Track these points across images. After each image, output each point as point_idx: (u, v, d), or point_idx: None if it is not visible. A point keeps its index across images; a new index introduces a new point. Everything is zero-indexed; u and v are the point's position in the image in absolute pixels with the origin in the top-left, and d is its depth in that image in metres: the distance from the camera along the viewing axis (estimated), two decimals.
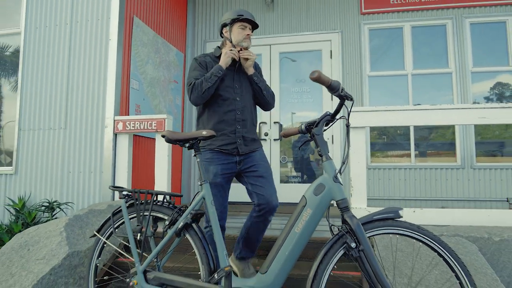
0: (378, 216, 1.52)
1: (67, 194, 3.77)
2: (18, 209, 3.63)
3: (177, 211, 1.78)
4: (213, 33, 5.54)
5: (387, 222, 1.50)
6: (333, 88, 1.55)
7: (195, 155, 1.85)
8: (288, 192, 5.07)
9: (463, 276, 1.41)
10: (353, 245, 1.48)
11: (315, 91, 5.17)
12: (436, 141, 4.96)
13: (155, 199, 1.83)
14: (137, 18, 4.10)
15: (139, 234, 1.80)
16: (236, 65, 2.33)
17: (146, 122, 3.49)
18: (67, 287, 2.29)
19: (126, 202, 1.87)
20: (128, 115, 3.92)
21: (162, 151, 3.45)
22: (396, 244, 2.29)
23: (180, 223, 1.73)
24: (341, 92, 1.55)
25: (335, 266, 1.57)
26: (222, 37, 2.40)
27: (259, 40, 5.32)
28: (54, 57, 3.99)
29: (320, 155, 1.62)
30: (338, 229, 1.55)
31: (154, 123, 3.47)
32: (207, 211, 1.90)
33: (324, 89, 5.08)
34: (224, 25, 2.35)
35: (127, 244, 1.89)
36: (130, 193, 1.88)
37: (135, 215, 1.85)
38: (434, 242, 1.45)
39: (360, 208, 3.10)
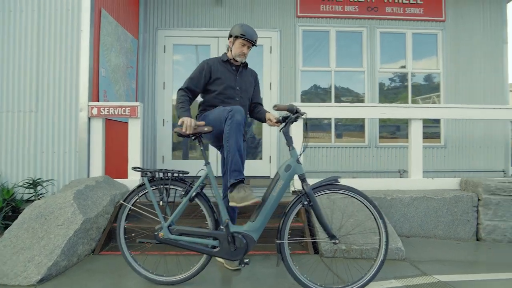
0: (324, 182, 2.46)
1: (41, 172, 4.13)
2: None
3: (189, 185, 2.52)
4: (165, 21, 5.96)
5: (330, 186, 2.46)
6: (290, 110, 2.42)
7: (199, 144, 2.58)
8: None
9: (378, 218, 2.42)
10: (305, 202, 2.41)
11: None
12: (350, 125, 6.24)
13: (169, 175, 2.54)
14: (104, 10, 4.44)
15: (161, 202, 2.50)
16: (238, 70, 2.86)
17: (120, 108, 4.00)
18: (83, 245, 2.89)
19: (149, 179, 2.54)
20: (98, 101, 4.34)
21: (136, 134, 4.02)
22: (333, 200, 3.33)
23: (193, 192, 2.48)
24: (295, 111, 2.42)
25: (296, 218, 2.51)
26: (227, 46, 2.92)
27: (209, 32, 5.94)
28: (22, 42, 4.17)
29: (288, 145, 2.50)
30: (297, 193, 2.47)
31: (128, 109, 4.00)
32: (213, 185, 2.55)
33: (267, 78, 5.96)
34: (230, 36, 2.81)
35: (140, 211, 2.56)
36: (150, 172, 2.54)
37: (156, 187, 2.55)
38: (360, 196, 2.43)
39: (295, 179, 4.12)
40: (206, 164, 2.54)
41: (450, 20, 6.23)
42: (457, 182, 4.25)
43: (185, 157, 6.10)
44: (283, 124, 2.49)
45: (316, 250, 3.20)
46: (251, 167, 5.88)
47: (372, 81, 6.13)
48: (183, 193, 2.49)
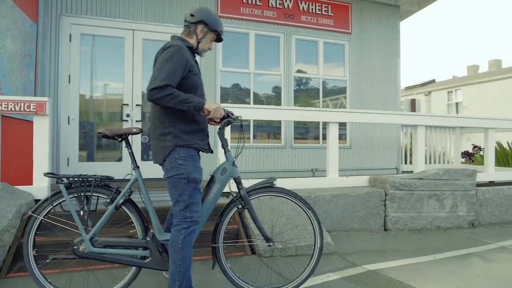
0: (260, 185, 2.47)
1: None
2: None
3: (115, 192, 2.27)
4: (71, 6, 5.32)
5: (266, 189, 2.48)
6: (226, 117, 2.32)
7: (127, 147, 2.35)
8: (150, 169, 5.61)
9: (314, 220, 2.49)
10: (240, 206, 2.40)
11: None
12: (267, 126, 6.44)
13: (91, 181, 2.24)
14: None
15: (81, 211, 2.20)
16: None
17: (22, 104, 3.44)
18: None
19: (66, 186, 2.22)
20: None
21: (43, 134, 3.51)
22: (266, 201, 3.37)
23: (120, 200, 2.25)
24: (227, 115, 2.31)
25: (230, 220, 2.47)
26: (185, 27, 2.30)
27: (123, 23, 5.50)
28: None
29: (223, 148, 2.44)
30: (232, 195, 2.43)
31: (33, 105, 3.46)
32: (142, 190, 2.33)
33: None
34: (201, 23, 2.27)
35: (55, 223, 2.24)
36: (67, 178, 2.21)
37: (75, 195, 2.24)
38: (295, 199, 2.48)
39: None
40: (135, 169, 2.36)
41: (355, 33, 6.88)
42: (366, 180, 4.71)
43: (91, 159, 5.55)
44: (223, 124, 2.41)
45: (253, 250, 3.23)
46: (154, 168, 5.63)
47: (288, 84, 6.41)
48: (108, 200, 2.26)
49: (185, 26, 2.32)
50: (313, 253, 2.48)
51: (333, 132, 4.47)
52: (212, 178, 2.42)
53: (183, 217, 2.10)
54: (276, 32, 6.35)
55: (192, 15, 2.28)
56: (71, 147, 5.33)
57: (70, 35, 5.33)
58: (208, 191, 2.39)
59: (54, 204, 2.22)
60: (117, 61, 5.57)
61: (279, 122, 6.39)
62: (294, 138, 6.50)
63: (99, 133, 2.31)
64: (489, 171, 5.50)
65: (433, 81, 26.71)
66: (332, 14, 6.67)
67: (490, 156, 5.57)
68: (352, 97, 6.83)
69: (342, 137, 6.81)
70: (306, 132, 6.79)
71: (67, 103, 5.30)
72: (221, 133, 2.46)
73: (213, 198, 2.37)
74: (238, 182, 2.42)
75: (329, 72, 6.77)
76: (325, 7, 6.63)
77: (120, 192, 2.29)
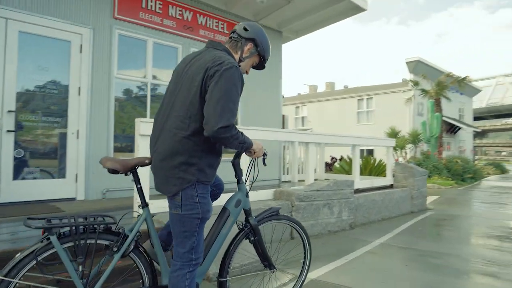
0: (267, 214, 2.50)
1: None
2: None
3: (123, 237, 1.87)
4: None
5: (271, 217, 2.53)
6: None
7: (136, 182, 1.99)
8: (25, 189, 4.65)
9: (306, 244, 2.75)
10: (252, 238, 2.36)
11: (63, 82, 4.98)
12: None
13: (95, 227, 1.79)
14: None
15: (80, 267, 1.72)
16: None
17: None
18: None
19: (58, 235, 1.69)
20: None
21: None
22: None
23: (130, 247, 1.88)
24: (266, 153, 2.27)
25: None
26: (233, 39, 2.08)
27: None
28: None
29: (237, 178, 2.32)
30: (242, 224, 2.36)
31: None
32: (151, 231, 2.00)
33: (74, 81, 5.02)
34: (255, 45, 2.09)
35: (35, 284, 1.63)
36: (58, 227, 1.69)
37: (70, 244, 1.73)
38: (296, 225, 2.67)
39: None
40: (143, 207, 2.00)
41: None
42: (272, 193, 5.07)
43: None
44: (236, 153, 2.30)
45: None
46: (48, 187, 4.80)
47: None
48: (115, 249, 1.84)
49: (232, 37, 2.08)
50: (300, 274, 2.79)
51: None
52: (225, 210, 2.28)
53: (188, 259, 1.87)
54: (175, 42, 6.17)
55: (245, 29, 2.06)
56: None
57: None
58: (222, 224, 2.23)
59: (38, 260, 1.67)
60: None
61: None
62: None
63: (106, 167, 1.86)
64: (356, 180, 6.67)
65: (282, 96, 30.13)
66: (227, 32, 6.90)
67: (356, 168, 6.77)
68: (240, 114, 7.16)
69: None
70: None
71: None
72: (237, 163, 2.34)
73: (227, 231, 2.25)
74: (249, 213, 2.38)
75: None
76: (221, 23, 6.82)
77: (127, 237, 1.90)
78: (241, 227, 2.38)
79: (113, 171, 1.87)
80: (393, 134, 17.09)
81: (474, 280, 3.49)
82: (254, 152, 2.07)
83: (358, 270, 3.61)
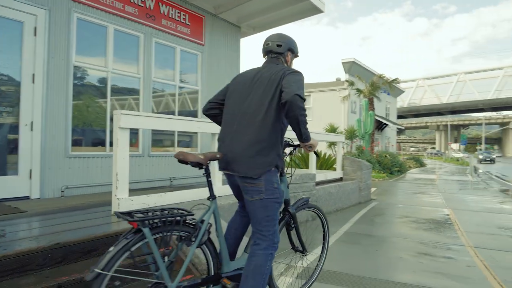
0: (300, 203, 2.73)
1: None
2: None
3: (198, 228, 1.97)
4: None
5: (305, 205, 2.76)
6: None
7: (206, 175, 2.10)
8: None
9: (326, 231, 3.01)
10: (293, 226, 2.60)
11: (14, 67, 4.47)
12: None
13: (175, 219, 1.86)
14: None
15: (166, 257, 1.82)
16: None
17: None
18: None
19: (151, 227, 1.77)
20: None
21: None
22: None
23: (204, 237, 1.98)
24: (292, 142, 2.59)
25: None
26: (275, 57, 2.34)
27: None
28: None
29: (281, 171, 2.37)
30: (281, 213, 2.52)
31: None
32: (217, 224, 2.12)
33: (28, 67, 4.54)
34: (292, 52, 2.42)
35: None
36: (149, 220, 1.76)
37: (159, 236, 1.80)
38: (319, 212, 2.93)
39: (124, 198, 3.60)
40: (212, 199, 2.12)
41: (207, 46, 7.19)
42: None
43: None
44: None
45: None
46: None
47: (147, 87, 6.04)
48: (193, 239, 1.94)
49: (273, 57, 2.33)
50: (323, 247, 3.10)
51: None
52: None
53: (272, 242, 2.07)
54: (136, 31, 5.87)
55: (279, 45, 2.32)
56: None
57: None
58: None
59: (132, 249, 1.72)
60: None
61: (136, 129, 5.93)
62: (152, 146, 6.18)
63: (176, 157, 1.99)
64: (315, 174, 7.01)
65: None
66: (189, 24, 6.74)
67: (313, 163, 7.11)
68: (202, 106, 7.07)
69: (190, 144, 7.01)
70: (162, 139, 6.52)
71: None
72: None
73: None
74: (288, 203, 2.60)
75: (186, 80, 6.82)
76: (183, 14, 6.63)
77: (200, 227, 2.00)
78: (281, 215, 2.56)
79: (196, 164, 1.99)
80: (332, 130, 18.08)
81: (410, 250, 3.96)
82: (311, 148, 2.30)
83: (352, 253, 3.87)
